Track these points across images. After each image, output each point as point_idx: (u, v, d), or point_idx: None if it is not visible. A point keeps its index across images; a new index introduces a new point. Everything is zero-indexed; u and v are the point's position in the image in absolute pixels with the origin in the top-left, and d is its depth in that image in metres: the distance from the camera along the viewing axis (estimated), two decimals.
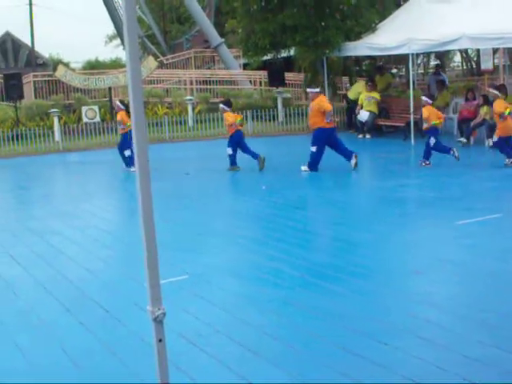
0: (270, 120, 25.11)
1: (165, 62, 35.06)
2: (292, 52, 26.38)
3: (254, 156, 15.40)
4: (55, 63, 35.62)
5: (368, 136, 21.33)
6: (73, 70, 32.31)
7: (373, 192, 12.61)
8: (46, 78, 30.46)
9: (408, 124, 19.38)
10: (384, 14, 23.16)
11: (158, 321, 2.99)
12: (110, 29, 48.84)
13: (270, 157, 15.86)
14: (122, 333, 5.79)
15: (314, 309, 6.11)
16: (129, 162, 15.79)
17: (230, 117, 15.82)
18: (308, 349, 5.26)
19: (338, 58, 23.86)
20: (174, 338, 5.35)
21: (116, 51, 55.25)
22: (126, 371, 5.01)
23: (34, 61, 34.91)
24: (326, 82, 23.01)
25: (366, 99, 21.57)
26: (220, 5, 39.68)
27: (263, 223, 10.34)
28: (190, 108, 26.08)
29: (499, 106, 14.52)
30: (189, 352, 5.27)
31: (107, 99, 27.08)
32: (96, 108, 25.45)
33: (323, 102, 14.97)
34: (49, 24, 50.17)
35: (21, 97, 25.83)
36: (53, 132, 22.78)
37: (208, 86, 31.70)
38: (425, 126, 14.98)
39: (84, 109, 25.35)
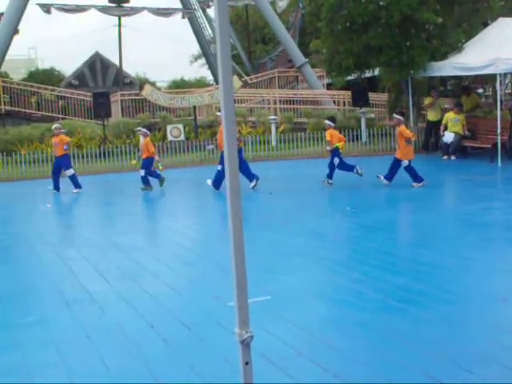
0: (353, 140, 24.97)
1: (249, 81, 35.35)
2: (376, 72, 26.19)
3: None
4: (142, 82, 36.36)
5: (453, 157, 20.94)
6: (159, 89, 32.95)
7: (457, 215, 12.31)
8: (133, 97, 31.13)
9: (495, 145, 18.92)
10: (471, 33, 22.72)
11: (246, 344, 2.96)
12: (195, 48, 49.61)
13: (353, 177, 15.74)
14: (204, 352, 5.79)
15: (398, 334, 5.98)
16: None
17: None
18: (392, 375, 5.14)
19: (423, 78, 23.57)
20: (257, 359, 5.31)
21: (201, 70, 56.00)
22: None
23: (121, 80, 35.70)
24: (410, 103, 22.76)
25: (451, 120, 21.22)
26: (304, 25, 39.82)
27: (346, 244, 10.25)
28: (273, 127, 26.18)
29: (406, 131, 15.42)
30: (272, 374, 5.22)
31: (192, 118, 27.46)
32: (181, 126, 25.84)
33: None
34: (136, 44, 51.34)
35: (108, 115, 26.46)
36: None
37: (291, 106, 31.79)
38: (328, 148, 16.39)
39: (169, 127, 25.78)
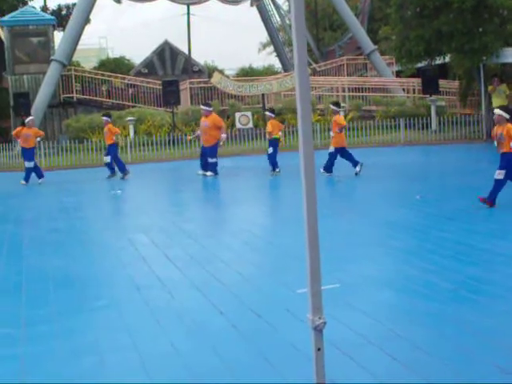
0: (422, 128, 24.62)
1: (317, 69, 35.19)
2: (447, 59, 25.75)
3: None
4: (210, 70, 36.61)
5: None
6: (227, 76, 33.10)
7: None
8: (202, 85, 31.37)
9: None
10: None
11: (319, 330, 2.96)
12: (264, 36, 49.59)
13: (422, 165, 15.53)
14: (274, 339, 5.80)
15: (468, 324, 5.87)
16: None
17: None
18: (462, 366, 5.05)
19: (495, 64, 23.07)
20: (327, 347, 5.30)
21: (269, 58, 56.06)
22: (280, 378, 5.01)
23: (190, 68, 36.02)
24: (482, 90, 22.31)
25: None
26: (373, 11, 39.38)
27: (416, 234, 10.11)
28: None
29: (341, 119, 16.69)
30: (341, 362, 5.20)
31: (260, 106, 27.50)
32: (249, 114, 25.92)
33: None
34: (204, 32, 51.56)
35: (177, 103, 26.74)
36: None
37: (360, 94, 31.53)
38: (268, 137, 17.57)
39: (238, 115, 25.90)
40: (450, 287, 7.01)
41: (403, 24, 23.04)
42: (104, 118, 19.13)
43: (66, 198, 15.54)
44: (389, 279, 7.59)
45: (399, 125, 24.04)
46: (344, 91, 31.84)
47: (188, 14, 36.23)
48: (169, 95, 25.91)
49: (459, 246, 8.96)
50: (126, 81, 33.35)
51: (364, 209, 12.24)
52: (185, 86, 31.16)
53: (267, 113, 17.76)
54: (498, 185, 11.33)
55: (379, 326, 5.96)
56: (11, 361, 5.60)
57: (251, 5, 38.19)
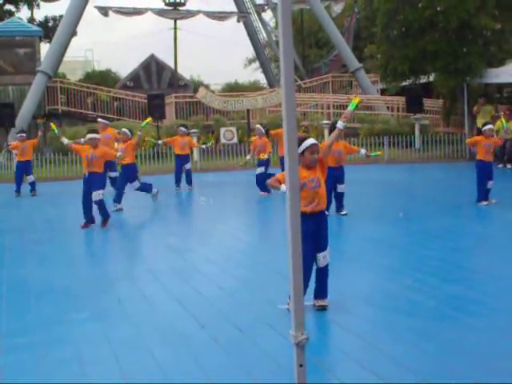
0: (406, 147, 24.76)
1: (302, 85, 35.34)
2: (431, 78, 25.97)
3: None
4: (196, 85, 36.64)
5: (509, 166, 20.62)
6: (212, 91, 33.16)
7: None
8: (187, 100, 31.40)
9: None
10: None
11: (301, 346, 2.96)
12: (250, 52, 49.72)
13: (405, 183, 15.60)
14: (255, 353, 5.80)
15: (450, 342, 5.90)
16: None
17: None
18: (445, 383, 5.08)
19: (479, 84, 23.28)
20: (309, 363, 5.31)
21: (254, 74, 56.19)
22: None
23: (176, 82, 36.06)
24: (465, 110, 22.49)
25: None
26: (359, 30, 39.64)
27: (399, 251, 10.15)
28: (326, 132, 26.09)
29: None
30: (323, 378, 5.21)
31: (245, 121, 27.56)
32: (234, 129, 25.95)
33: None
34: (191, 47, 51.61)
35: (162, 117, 26.74)
36: (192, 152, 23.38)
37: (345, 111, 31.63)
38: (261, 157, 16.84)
39: (222, 130, 25.92)
40: (432, 304, 7.04)
41: (388, 43, 23.23)
42: (127, 130, 18.13)
43: (53, 209, 15.50)
44: (371, 296, 7.60)
45: (383, 143, 24.16)
46: (329, 108, 31.98)
47: (175, 28, 36.32)
48: (154, 109, 25.91)
49: (441, 263, 9.00)
50: (111, 94, 33.32)
51: (346, 226, 12.26)
52: (170, 100, 31.19)
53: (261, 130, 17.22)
54: None
55: (361, 343, 5.98)
56: None
57: (238, 21, 38.34)
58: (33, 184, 18.58)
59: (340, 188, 12.89)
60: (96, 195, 12.39)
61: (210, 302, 7.41)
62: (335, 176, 12.53)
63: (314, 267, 6.92)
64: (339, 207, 13.05)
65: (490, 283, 7.97)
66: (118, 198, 14.60)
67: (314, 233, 6.65)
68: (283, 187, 6.58)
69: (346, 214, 12.84)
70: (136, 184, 15.12)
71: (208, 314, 6.97)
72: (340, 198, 13.04)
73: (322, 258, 6.91)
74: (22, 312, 7.31)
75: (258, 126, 17.77)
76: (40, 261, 10.06)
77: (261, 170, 16.77)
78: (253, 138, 18.18)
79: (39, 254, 10.68)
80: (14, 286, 8.45)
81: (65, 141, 13.83)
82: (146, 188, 15.69)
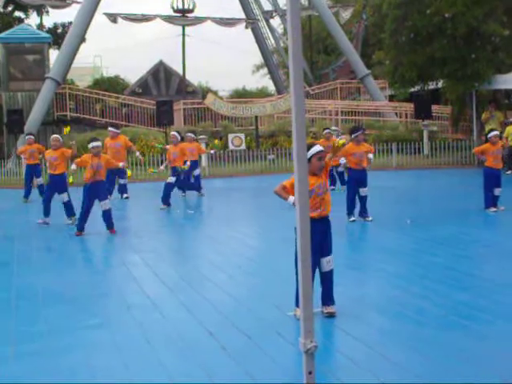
0: (414, 153, 24.73)
1: (311, 92, 35.34)
2: (440, 84, 25.95)
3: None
4: (204, 91, 36.71)
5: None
6: (221, 98, 33.21)
7: None
8: (195, 106, 31.45)
9: None
10: None
11: (310, 353, 2.96)
12: (258, 58, 49.82)
13: (413, 190, 15.58)
14: (263, 361, 5.79)
15: (458, 350, 5.88)
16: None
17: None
18: None
19: (487, 90, 23.25)
20: (318, 370, 5.30)
21: (262, 80, 56.28)
22: None
23: (184, 89, 36.11)
24: (474, 116, 22.45)
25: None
26: (367, 36, 39.66)
27: (407, 258, 10.13)
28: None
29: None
30: None
31: (253, 127, 27.58)
32: (242, 136, 25.99)
33: None
34: (199, 53, 51.71)
35: (171, 123, 26.76)
36: (200, 158, 23.40)
37: (353, 117, 31.66)
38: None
39: (231, 136, 25.95)
40: (440, 313, 7.02)
41: (397, 49, 23.24)
42: (191, 135, 18.16)
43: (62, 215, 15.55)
44: (379, 303, 7.59)
45: (391, 149, 24.16)
46: (337, 115, 31.98)
47: (183, 34, 36.38)
48: (162, 115, 25.94)
49: (449, 270, 8.98)
50: (119, 100, 33.41)
51: (353, 232, 12.26)
52: (178, 106, 31.24)
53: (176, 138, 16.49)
54: None
55: (369, 351, 5.96)
56: (0, 379, 5.57)
57: (246, 27, 38.41)
58: (41, 187, 18.62)
59: (362, 191, 12.83)
60: (105, 204, 12.44)
61: (218, 308, 7.41)
62: (357, 179, 12.54)
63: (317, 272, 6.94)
64: (363, 212, 13.01)
65: (499, 291, 7.94)
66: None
67: (318, 238, 6.65)
68: (291, 199, 6.61)
69: (371, 220, 12.79)
70: (66, 197, 14.20)
71: (216, 320, 6.97)
72: (363, 201, 12.98)
73: (326, 262, 6.93)
74: (31, 319, 7.33)
75: (174, 132, 16.96)
76: (49, 267, 10.08)
77: (171, 179, 16.17)
78: (167, 146, 17.33)
79: (48, 260, 10.71)
80: (23, 293, 8.48)
81: (73, 166, 13.66)
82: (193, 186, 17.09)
